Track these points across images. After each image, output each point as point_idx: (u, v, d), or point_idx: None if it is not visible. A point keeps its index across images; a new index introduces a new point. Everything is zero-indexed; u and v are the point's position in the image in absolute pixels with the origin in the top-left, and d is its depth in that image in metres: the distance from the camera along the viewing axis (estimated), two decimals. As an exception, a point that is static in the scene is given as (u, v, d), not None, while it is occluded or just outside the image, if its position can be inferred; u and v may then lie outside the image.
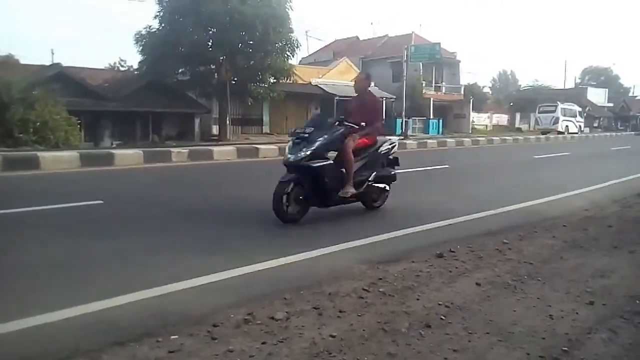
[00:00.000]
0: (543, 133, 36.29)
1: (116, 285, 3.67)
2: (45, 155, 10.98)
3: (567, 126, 39.81)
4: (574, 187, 9.34)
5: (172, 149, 12.74)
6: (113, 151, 12.41)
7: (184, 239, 5.27)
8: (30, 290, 3.66)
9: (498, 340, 2.99)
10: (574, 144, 28.70)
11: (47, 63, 24.14)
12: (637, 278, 4.22)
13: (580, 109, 43.93)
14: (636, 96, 71.83)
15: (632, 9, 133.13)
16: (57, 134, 16.09)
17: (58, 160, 10.94)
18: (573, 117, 41.65)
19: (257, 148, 14.35)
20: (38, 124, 15.66)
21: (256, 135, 24.82)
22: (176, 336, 2.86)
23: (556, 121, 39.05)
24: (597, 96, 58.70)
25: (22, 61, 24.77)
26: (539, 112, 40.87)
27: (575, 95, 54.22)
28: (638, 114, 59.44)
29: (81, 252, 4.67)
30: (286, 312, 3.23)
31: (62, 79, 20.21)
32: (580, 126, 42.41)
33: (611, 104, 60.44)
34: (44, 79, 19.25)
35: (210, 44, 20.76)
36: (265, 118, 27.07)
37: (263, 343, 2.81)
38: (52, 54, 43.52)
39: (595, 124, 54.65)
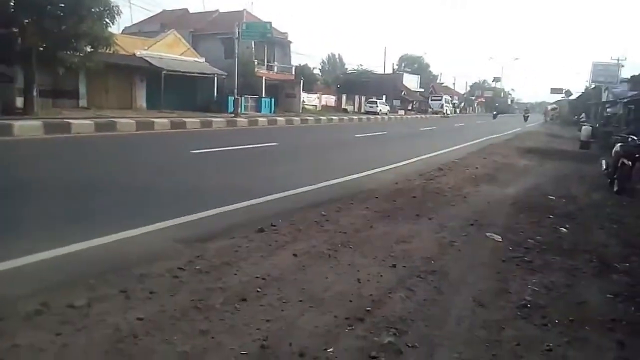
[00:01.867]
0: (434, 113, 53.84)
1: None
2: None
3: (447, 110, 57.88)
4: (388, 163, 10.21)
5: (-41, 123, 10.81)
6: None
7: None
8: None
9: (309, 307, 3.11)
10: (391, 124, 31.45)
11: None
12: (433, 241, 4.75)
13: (450, 98, 64.52)
14: (442, 83, 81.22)
15: (442, 4, 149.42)
16: None
17: None
18: (448, 104, 60.68)
19: (69, 123, 12.90)
20: None
21: (71, 109, 22.29)
22: (-55, 338, 2.42)
23: (442, 107, 56.76)
24: (411, 81, 64.93)
25: None
26: (431, 100, 60.11)
27: (393, 80, 59.29)
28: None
29: None
30: (88, 298, 2.94)
31: None
32: (451, 110, 61.38)
33: (422, 89, 67.34)
34: None
35: (12, 3, 18.01)
36: (82, 91, 24.42)
37: (57, 334, 2.52)
38: None
39: (410, 107, 60.44)
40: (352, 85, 52.42)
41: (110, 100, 25.57)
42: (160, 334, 2.61)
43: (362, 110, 47.04)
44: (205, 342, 2.56)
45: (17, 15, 18.22)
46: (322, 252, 4.19)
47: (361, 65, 63.82)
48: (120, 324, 2.67)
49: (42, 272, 3.40)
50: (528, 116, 48.76)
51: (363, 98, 49.72)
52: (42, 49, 18.94)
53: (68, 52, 19.41)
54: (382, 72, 61.07)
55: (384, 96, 51.22)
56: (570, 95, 52.59)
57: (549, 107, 61.47)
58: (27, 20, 18.28)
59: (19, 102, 20.31)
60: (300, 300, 3.18)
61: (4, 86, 20.61)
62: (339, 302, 3.20)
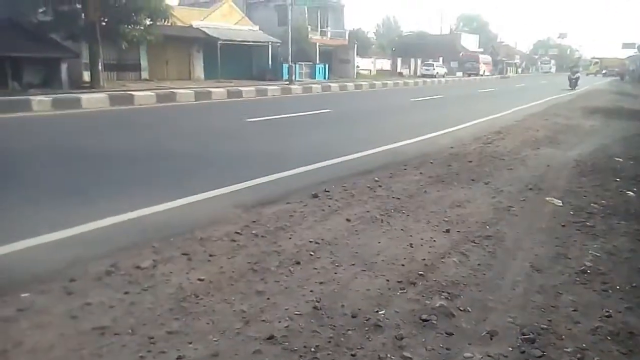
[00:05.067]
0: (544, 73, 70.09)
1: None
2: None
3: (552, 69, 74.68)
4: (444, 127, 9.99)
5: (32, 97, 11.48)
6: (-40, 101, 10.90)
7: (42, 192, 4.85)
8: None
9: (362, 270, 3.16)
10: (448, 87, 30.53)
11: None
12: (488, 206, 4.66)
13: (554, 61, 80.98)
14: (502, 42, 77.64)
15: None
16: None
17: None
18: (553, 66, 79.27)
19: (132, 95, 13.45)
20: None
21: (134, 82, 23.16)
22: (27, 294, 2.65)
23: (550, 68, 72.35)
24: (470, 42, 62.48)
25: None
26: (541, 64, 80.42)
27: (451, 40, 57.37)
28: (504, 59, 64.51)
29: None
30: (153, 260, 3.13)
31: None
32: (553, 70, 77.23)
33: (482, 49, 64.69)
34: None
35: (74, -19, 18.77)
36: (144, 63, 25.27)
37: (126, 293, 2.71)
38: None
39: (468, 68, 58.31)
40: (407, 48, 51.10)
41: (169, 71, 26.31)
42: (220, 294, 2.75)
43: (418, 74, 45.91)
44: (262, 302, 2.68)
45: (79, -8, 18.93)
46: (375, 217, 4.22)
47: (417, 24, 62.09)
48: (184, 283, 2.84)
49: (111, 235, 3.63)
50: (578, 77, 29.08)
51: (419, 61, 48.43)
52: (104, 23, 19.65)
53: (129, 26, 20.05)
54: (439, 33, 59.09)
55: (441, 58, 49.67)
56: (644, 51, 48.85)
57: (592, 62, 58.98)
58: (88, -4, 18.95)
59: (86, 76, 21.29)
60: (353, 264, 3.24)
61: (71, 61, 21.62)
62: (391, 266, 3.24)
